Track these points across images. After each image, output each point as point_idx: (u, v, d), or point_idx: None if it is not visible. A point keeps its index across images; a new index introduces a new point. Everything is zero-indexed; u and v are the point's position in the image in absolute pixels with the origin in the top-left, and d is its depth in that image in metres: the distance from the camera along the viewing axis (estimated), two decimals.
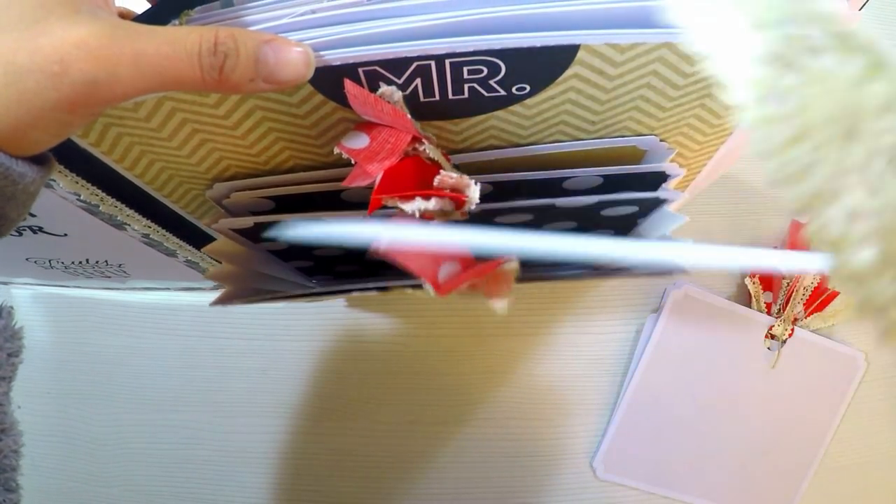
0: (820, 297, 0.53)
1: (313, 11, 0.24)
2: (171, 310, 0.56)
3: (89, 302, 0.56)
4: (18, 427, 0.24)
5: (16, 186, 0.21)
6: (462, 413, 0.54)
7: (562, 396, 0.54)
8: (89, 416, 0.55)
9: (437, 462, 0.54)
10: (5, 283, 0.56)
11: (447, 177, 0.26)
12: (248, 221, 0.32)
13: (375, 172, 0.26)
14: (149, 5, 0.25)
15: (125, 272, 0.48)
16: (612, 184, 0.32)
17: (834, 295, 0.54)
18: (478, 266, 0.26)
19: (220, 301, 0.32)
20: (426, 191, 0.25)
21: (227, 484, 0.54)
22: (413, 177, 0.26)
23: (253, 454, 0.54)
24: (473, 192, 0.26)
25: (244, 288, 0.35)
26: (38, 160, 0.22)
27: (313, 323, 0.55)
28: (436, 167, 0.28)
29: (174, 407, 0.55)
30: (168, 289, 0.55)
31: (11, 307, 0.24)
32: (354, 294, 0.52)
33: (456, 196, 0.26)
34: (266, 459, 0.54)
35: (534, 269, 0.39)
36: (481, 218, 0.31)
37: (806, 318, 0.54)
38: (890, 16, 0.59)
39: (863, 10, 0.27)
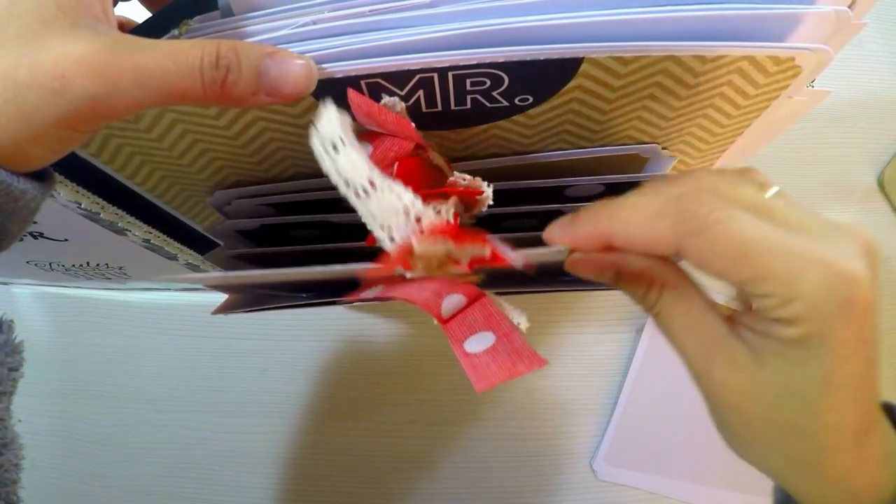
0: None
1: (314, 22, 0.23)
2: (171, 310, 0.56)
3: (89, 302, 0.56)
4: (19, 441, 0.24)
5: (17, 203, 0.20)
6: (462, 413, 0.54)
7: (562, 397, 0.54)
8: (89, 416, 0.56)
9: (437, 462, 0.54)
10: (5, 284, 0.56)
11: (460, 178, 0.26)
12: (254, 223, 0.32)
13: None
14: (148, 15, 0.25)
15: (126, 274, 0.48)
16: (613, 192, 0.32)
17: None
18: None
19: (221, 310, 0.32)
20: (442, 189, 0.25)
21: (227, 484, 0.54)
22: (421, 179, 0.26)
23: (253, 454, 0.54)
24: (488, 191, 0.26)
25: (244, 297, 0.35)
26: (39, 175, 0.22)
27: (313, 323, 0.55)
28: (439, 173, 0.28)
29: (174, 407, 0.55)
30: (168, 289, 0.55)
31: (12, 321, 0.24)
32: (356, 303, 0.52)
33: (470, 194, 0.26)
34: (266, 459, 0.54)
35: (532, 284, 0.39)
36: (488, 222, 0.31)
37: None
38: (890, 17, 0.59)
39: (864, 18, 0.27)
